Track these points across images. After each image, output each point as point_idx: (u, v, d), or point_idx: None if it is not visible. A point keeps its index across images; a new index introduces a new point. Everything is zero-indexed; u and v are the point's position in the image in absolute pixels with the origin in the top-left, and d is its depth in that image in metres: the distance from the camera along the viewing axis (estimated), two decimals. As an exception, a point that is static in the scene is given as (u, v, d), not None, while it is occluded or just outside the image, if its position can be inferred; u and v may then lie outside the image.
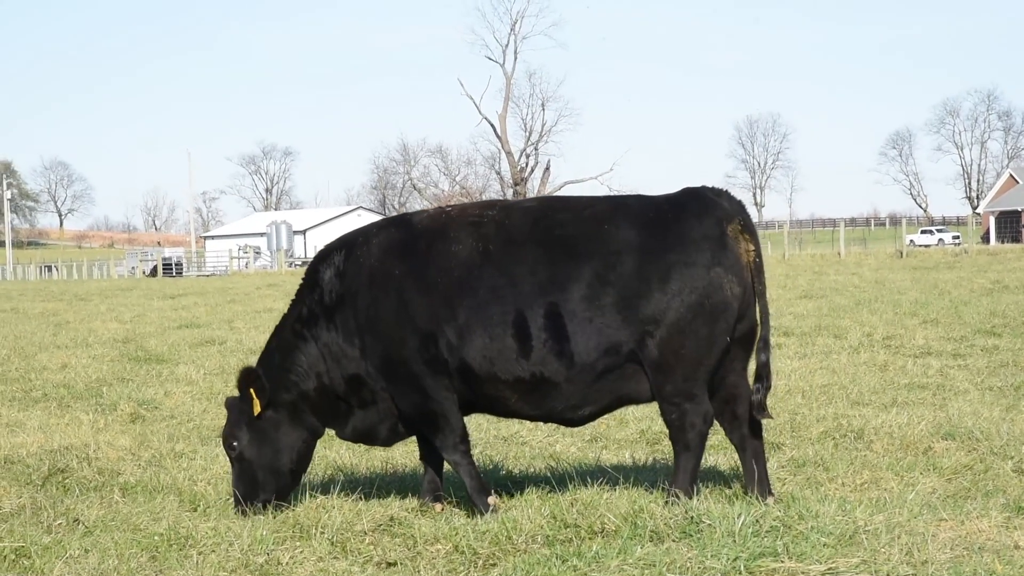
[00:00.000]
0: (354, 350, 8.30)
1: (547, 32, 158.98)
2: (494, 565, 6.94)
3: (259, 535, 7.38)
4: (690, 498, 7.69)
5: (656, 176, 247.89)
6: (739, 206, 8.03)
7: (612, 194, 9.88)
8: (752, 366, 8.15)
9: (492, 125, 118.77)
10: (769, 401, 12.58)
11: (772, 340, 18.73)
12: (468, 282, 7.98)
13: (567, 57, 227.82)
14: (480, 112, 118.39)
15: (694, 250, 7.81)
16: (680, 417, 7.82)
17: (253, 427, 8.43)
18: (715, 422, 8.12)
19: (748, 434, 8.17)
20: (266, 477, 8.42)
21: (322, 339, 8.38)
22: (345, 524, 7.61)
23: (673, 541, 6.93)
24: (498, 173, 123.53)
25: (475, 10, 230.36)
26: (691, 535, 6.96)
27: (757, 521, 6.97)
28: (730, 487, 8.64)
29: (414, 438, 8.74)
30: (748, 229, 7.94)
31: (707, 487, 8.55)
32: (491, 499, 8.10)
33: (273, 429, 8.44)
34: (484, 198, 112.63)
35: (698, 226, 7.87)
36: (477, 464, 10.12)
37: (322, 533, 7.46)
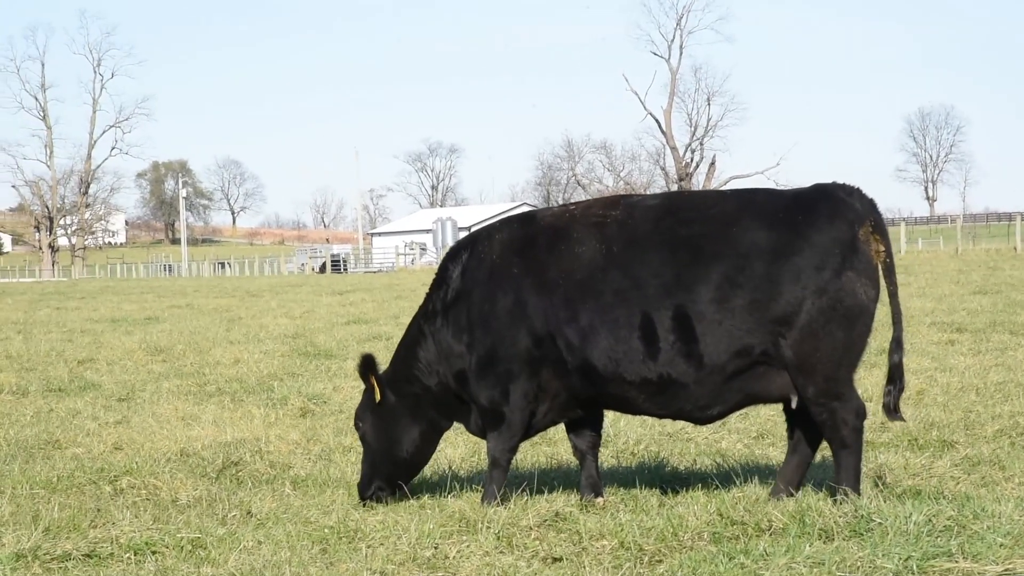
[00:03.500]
0: (460, 346, 8.38)
1: (713, 26, 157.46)
2: (660, 561, 6.90)
3: (426, 529, 7.45)
4: (857, 495, 7.59)
5: (823, 170, 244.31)
6: (870, 206, 7.86)
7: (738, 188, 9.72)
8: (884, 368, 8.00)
9: (657, 120, 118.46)
10: (941, 398, 12.39)
11: (945, 336, 18.41)
12: (591, 284, 7.96)
13: (733, 51, 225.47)
14: (645, 107, 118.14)
15: (825, 254, 7.67)
16: (830, 416, 7.72)
17: (377, 413, 8.71)
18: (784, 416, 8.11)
19: (803, 438, 8.11)
20: (381, 463, 8.68)
21: (438, 335, 8.53)
22: (511, 519, 7.64)
23: (843, 540, 6.82)
24: (663, 168, 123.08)
25: (641, 5, 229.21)
26: (861, 534, 6.85)
27: (930, 520, 6.84)
28: (900, 485, 8.47)
29: (563, 433, 8.77)
30: (879, 230, 7.78)
31: (877, 486, 8.40)
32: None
33: (392, 418, 8.67)
34: (650, 193, 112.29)
35: (829, 229, 7.72)
36: (642, 461, 10.11)
37: (488, 528, 7.50)
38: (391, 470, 8.67)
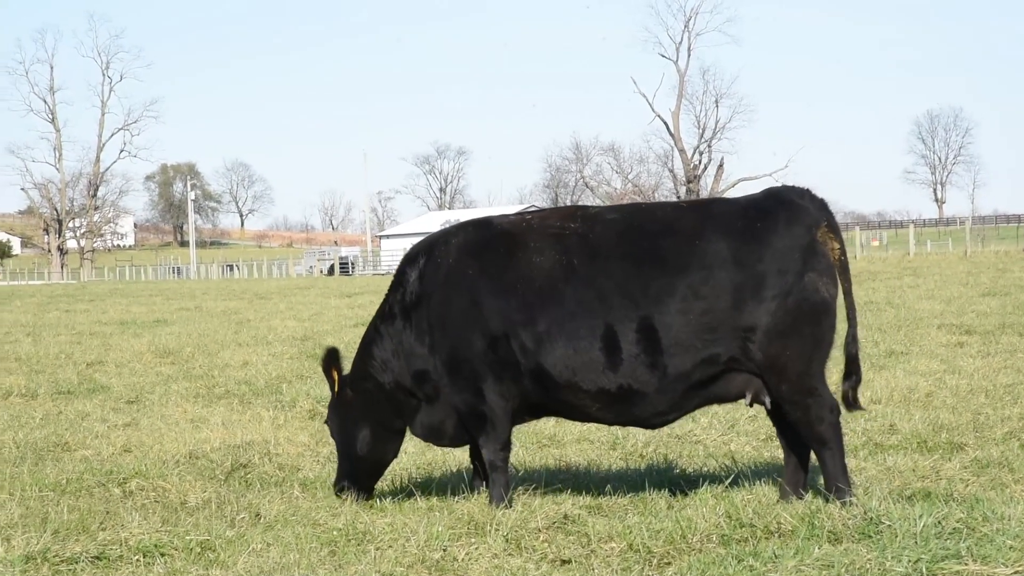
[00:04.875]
0: (423, 348, 8.47)
1: (721, 28, 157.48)
2: (669, 564, 6.90)
3: (435, 531, 7.45)
4: (848, 489, 7.73)
5: (832, 172, 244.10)
6: (821, 206, 8.05)
7: (694, 198, 9.85)
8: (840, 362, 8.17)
9: (665, 123, 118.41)
10: (951, 400, 12.38)
11: (954, 338, 18.40)
12: (550, 292, 8.05)
13: (741, 53, 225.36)
14: (653, 110, 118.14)
15: (786, 258, 7.84)
16: (805, 414, 7.86)
17: (336, 409, 8.87)
18: (771, 421, 8.22)
19: (793, 440, 8.15)
20: (345, 459, 8.83)
21: (396, 336, 8.61)
22: (519, 521, 7.64)
23: (852, 542, 6.82)
24: (671, 171, 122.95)
25: (648, 8, 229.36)
26: (870, 536, 6.84)
27: (939, 523, 6.83)
28: (909, 487, 8.46)
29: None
30: (833, 229, 7.99)
31: (885, 488, 8.39)
32: None
33: (349, 413, 8.79)
34: (657, 196, 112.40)
35: (788, 234, 7.90)
36: (651, 463, 10.10)
37: (497, 530, 7.50)
38: (353, 466, 8.79)
